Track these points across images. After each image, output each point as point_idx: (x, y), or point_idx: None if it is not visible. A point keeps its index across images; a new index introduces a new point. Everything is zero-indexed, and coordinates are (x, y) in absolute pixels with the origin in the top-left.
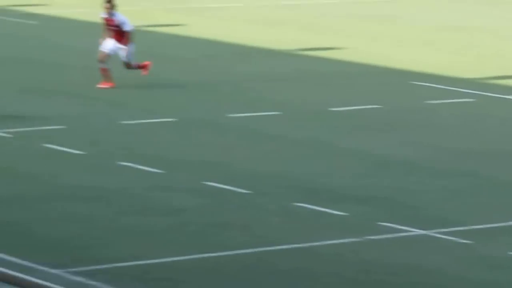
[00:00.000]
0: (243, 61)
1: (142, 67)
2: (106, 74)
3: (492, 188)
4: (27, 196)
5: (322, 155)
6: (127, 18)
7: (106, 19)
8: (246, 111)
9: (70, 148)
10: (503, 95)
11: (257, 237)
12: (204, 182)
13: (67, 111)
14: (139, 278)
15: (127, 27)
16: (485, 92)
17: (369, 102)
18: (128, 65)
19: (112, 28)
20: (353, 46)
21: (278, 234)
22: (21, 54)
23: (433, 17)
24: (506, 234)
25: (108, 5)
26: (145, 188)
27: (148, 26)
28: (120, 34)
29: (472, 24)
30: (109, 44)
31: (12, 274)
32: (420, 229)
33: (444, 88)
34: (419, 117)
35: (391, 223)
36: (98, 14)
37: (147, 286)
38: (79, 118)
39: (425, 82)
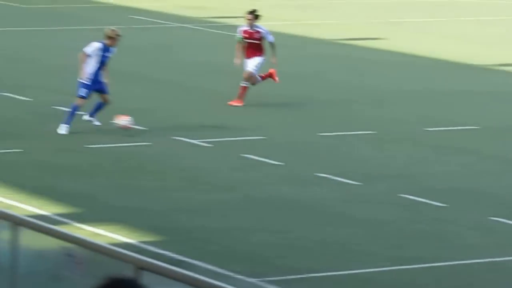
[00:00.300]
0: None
1: (270, 76)
2: (243, 93)
3: None
4: (225, 205)
5: None
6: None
7: (247, 32)
8: (444, 125)
9: (268, 158)
10: None
11: (453, 250)
12: (400, 195)
13: (266, 122)
14: None
15: (270, 39)
16: None
17: None
18: (250, 78)
19: (253, 41)
20: None
21: (474, 248)
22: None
23: None
24: None
25: (250, 16)
26: (342, 200)
27: (350, 39)
28: (259, 47)
29: None
30: (252, 62)
31: (209, 281)
32: None
33: None
34: None
35: None
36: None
37: None
38: (278, 128)
39: None
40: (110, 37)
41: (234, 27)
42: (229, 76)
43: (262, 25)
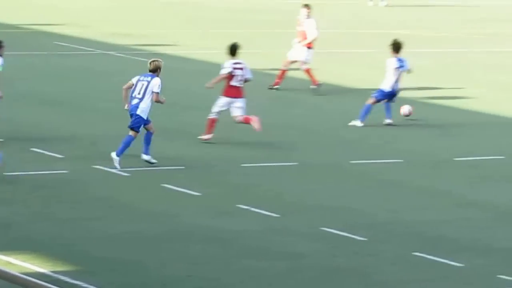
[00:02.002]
0: None
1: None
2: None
3: None
4: (141, 235)
5: (443, 204)
6: None
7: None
8: (368, 158)
9: (188, 189)
10: None
11: (373, 285)
12: (321, 228)
13: (185, 152)
14: None
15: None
16: None
17: (493, 153)
18: None
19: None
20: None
21: (395, 282)
22: None
23: None
24: None
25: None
26: (262, 231)
27: None
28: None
29: None
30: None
31: None
32: None
33: None
34: None
35: (511, 276)
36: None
37: None
38: (198, 158)
39: None
40: None
41: (161, 55)
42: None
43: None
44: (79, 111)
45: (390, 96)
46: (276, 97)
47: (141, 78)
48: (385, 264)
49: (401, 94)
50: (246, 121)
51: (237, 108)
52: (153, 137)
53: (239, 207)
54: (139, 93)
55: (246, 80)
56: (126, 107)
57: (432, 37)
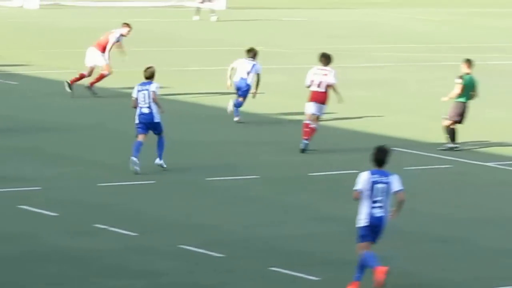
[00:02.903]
0: None
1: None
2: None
3: (470, 254)
4: (2, 256)
5: (298, 219)
6: None
7: None
8: (226, 175)
9: (45, 209)
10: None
11: None
12: (179, 246)
13: (42, 172)
14: None
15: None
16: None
17: (348, 168)
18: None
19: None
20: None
21: None
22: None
23: None
24: None
25: None
26: (120, 250)
27: None
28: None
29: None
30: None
31: None
32: None
33: (422, 154)
34: None
35: None
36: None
37: None
38: (54, 179)
39: (404, 148)
40: None
41: (13, 75)
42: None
43: None
44: None
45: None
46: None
47: (140, 88)
48: (243, 280)
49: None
50: None
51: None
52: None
53: (96, 227)
54: (144, 102)
55: None
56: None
57: (285, 53)
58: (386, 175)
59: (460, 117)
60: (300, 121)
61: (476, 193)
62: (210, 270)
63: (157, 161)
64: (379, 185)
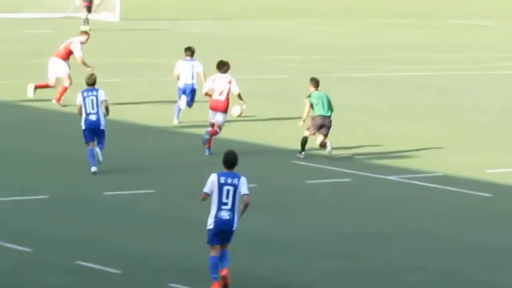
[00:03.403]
0: None
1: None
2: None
3: (368, 271)
4: None
5: (197, 234)
6: None
7: None
8: (121, 189)
9: None
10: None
11: None
12: (76, 261)
13: None
14: None
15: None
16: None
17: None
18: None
19: None
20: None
21: None
22: None
23: None
24: None
25: None
26: (15, 267)
27: None
28: None
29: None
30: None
31: None
32: None
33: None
34: (298, 197)
35: None
36: None
37: None
38: None
39: (305, 162)
40: None
41: None
42: None
43: None
44: None
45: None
46: (27, 128)
47: (86, 95)
48: None
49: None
50: None
51: None
52: None
53: None
54: (93, 109)
55: None
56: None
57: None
58: (234, 177)
59: (317, 129)
60: (199, 132)
61: (376, 207)
62: (107, 287)
63: (93, 169)
64: (226, 187)
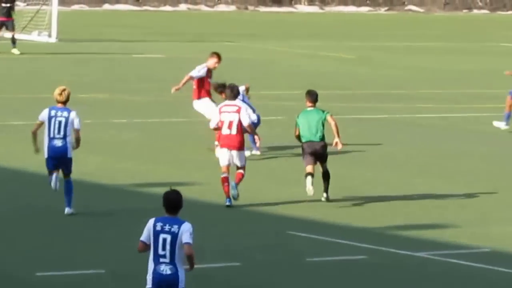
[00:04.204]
0: None
1: None
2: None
3: None
4: None
5: None
6: None
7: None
8: None
9: None
10: None
11: None
12: None
13: None
14: None
15: None
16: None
17: None
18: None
19: None
20: None
21: None
22: None
23: None
24: None
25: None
26: None
27: None
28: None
29: None
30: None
31: None
32: None
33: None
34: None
35: None
36: None
37: None
38: None
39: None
40: None
41: None
42: None
43: None
44: None
45: None
46: None
47: (54, 114)
48: None
49: None
50: None
51: None
52: None
53: None
54: (58, 132)
55: None
56: (36, 151)
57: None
58: (173, 223)
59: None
60: None
61: None
62: None
63: (67, 210)
64: (163, 236)
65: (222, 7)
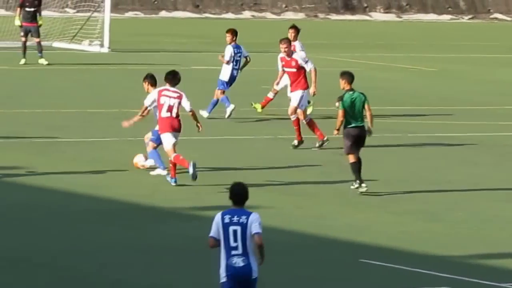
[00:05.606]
0: None
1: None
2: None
3: None
4: None
5: None
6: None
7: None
8: None
9: None
10: None
11: None
12: None
13: None
14: None
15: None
16: None
17: None
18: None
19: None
20: None
21: None
22: None
23: None
24: None
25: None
26: None
27: None
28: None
29: None
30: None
31: None
32: None
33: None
34: None
35: None
36: None
37: None
38: None
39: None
40: None
41: None
42: None
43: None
44: None
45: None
46: None
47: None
48: None
49: None
50: None
51: None
52: None
53: None
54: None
55: None
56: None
57: None
58: (241, 214)
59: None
60: None
61: None
62: None
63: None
64: (233, 228)
65: (289, 15)
